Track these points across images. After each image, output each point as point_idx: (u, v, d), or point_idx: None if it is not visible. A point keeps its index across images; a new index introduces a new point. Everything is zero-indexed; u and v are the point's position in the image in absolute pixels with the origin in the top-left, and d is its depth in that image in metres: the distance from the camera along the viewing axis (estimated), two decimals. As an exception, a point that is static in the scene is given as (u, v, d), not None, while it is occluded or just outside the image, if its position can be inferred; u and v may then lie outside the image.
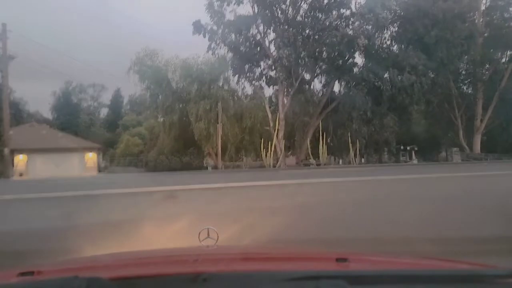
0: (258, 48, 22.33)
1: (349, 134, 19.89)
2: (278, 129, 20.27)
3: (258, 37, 22.20)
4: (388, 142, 20.68)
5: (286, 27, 20.19)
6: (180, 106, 21.14)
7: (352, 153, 19.83)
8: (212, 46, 21.74)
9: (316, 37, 20.42)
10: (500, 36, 21.41)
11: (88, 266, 1.61)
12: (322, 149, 19.59)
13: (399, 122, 20.35)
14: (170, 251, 2.25)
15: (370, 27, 19.74)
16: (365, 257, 1.71)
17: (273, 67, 21.91)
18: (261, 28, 22.02)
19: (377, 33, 20.69)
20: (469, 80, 24.32)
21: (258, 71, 22.88)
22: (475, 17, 20.61)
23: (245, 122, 21.69)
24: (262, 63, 22.70)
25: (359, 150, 19.90)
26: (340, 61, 21.43)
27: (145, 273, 1.25)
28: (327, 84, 23.02)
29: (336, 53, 20.22)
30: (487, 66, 23.13)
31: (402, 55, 18.42)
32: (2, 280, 1.26)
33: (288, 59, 19.03)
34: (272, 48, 21.58)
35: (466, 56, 18.79)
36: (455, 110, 24.21)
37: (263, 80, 22.92)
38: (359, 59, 22.03)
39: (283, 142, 20.55)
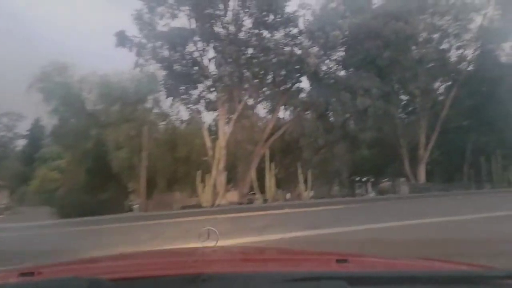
0: (196, 67, 19.55)
1: (298, 164, 17.64)
2: (218, 159, 17.24)
3: (196, 54, 19.46)
4: (339, 172, 18.83)
5: (228, 43, 17.77)
6: (97, 131, 17.19)
7: (302, 185, 17.47)
8: (139, 62, 18.48)
9: (261, 56, 18.27)
10: (441, 65, 21.42)
11: (88, 267, 1.61)
12: (269, 182, 16.91)
13: (350, 150, 18.66)
14: (170, 252, 2.36)
15: (318, 48, 18.20)
16: (366, 258, 1.70)
17: (212, 88, 19.21)
18: (199, 44, 19.37)
19: (327, 54, 19.30)
20: (413, 107, 24.07)
21: (195, 93, 20.01)
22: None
23: (179, 151, 18.35)
24: (200, 85, 19.92)
25: (309, 182, 17.61)
26: (288, 84, 19.56)
27: (145, 274, 1.25)
28: (273, 109, 20.92)
29: (284, 74, 18.24)
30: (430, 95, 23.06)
31: (354, 77, 16.91)
32: (2, 280, 1.24)
33: (230, 77, 16.46)
34: (212, 67, 19.02)
35: (414, 83, 17.83)
36: (399, 138, 23.68)
37: (201, 104, 20.05)
38: (307, 83, 20.38)
39: (225, 175, 17.53)
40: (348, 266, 1.29)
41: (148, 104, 19.18)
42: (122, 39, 17.98)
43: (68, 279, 1.04)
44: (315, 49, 18.16)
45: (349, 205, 13.99)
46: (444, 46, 22.31)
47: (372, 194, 18.24)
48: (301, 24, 18.29)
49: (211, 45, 19.13)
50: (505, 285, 1.08)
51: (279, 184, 19.13)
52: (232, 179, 20.26)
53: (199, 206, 16.07)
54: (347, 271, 1.23)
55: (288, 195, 20.20)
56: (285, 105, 20.23)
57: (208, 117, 22.15)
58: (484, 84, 22.30)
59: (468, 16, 21.31)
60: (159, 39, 18.50)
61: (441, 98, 23.92)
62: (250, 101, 21.17)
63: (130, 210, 17.41)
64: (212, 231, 1.74)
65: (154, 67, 18.89)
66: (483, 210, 9.18)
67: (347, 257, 1.35)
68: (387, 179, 25.72)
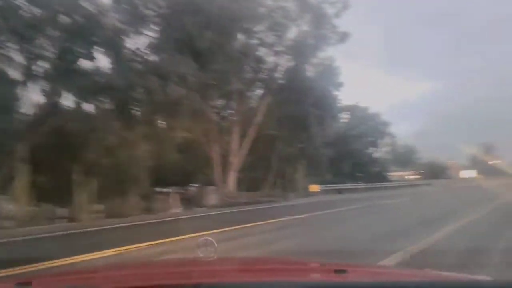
0: None
1: (80, 170, 12.26)
2: None
3: None
4: (139, 181, 14.51)
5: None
6: None
7: (83, 197, 12.23)
8: None
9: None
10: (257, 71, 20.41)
11: (86, 277, 1.58)
12: (20, 191, 10.93)
13: (157, 152, 14.65)
14: (168, 262, 2.54)
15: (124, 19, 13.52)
16: (364, 269, 1.77)
17: None
18: None
19: (137, 31, 14.76)
20: (227, 110, 22.32)
21: None
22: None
23: None
24: None
25: (93, 194, 12.52)
26: (72, 59, 13.84)
27: (144, 284, 1.28)
28: (50, 93, 14.59)
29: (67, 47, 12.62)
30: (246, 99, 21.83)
31: (168, 61, 13.08)
32: None
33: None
34: None
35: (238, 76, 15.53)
36: (212, 142, 21.51)
37: None
38: (105, 62, 15.11)
39: None
40: (347, 276, 1.28)
41: None
42: None
43: None
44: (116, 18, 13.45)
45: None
46: (261, 53, 21.76)
47: (179, 210, 14.77)
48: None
49: None
50: None
51: (47, 196, 13.06)
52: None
53: None
54: (345, 281, 1.23)
55: (64, 211, 14.26)
56: (67, 87, 14.35)
57: None
58: (293, 95, 22.76)
59: (284, 28, 21.32)
60: None
61: (255, 104, 23.19)
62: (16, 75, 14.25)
63: None
64: (210, 241, 1.72)
65: None
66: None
67: (346, 268, 1.36)
68: (195, 186, 23.13)
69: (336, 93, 23.41)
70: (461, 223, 8.62)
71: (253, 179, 24.35)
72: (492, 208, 12.19)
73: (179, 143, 20.66)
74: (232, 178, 21.98)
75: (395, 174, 42.30)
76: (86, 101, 13.89)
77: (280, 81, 22.80)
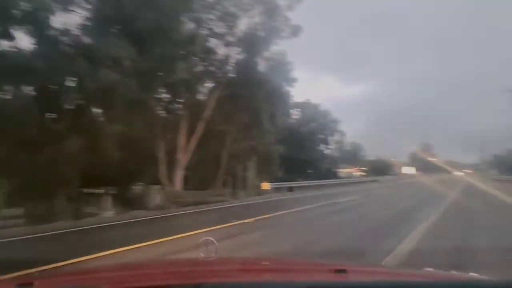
0: None
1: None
2: None
3: None
4: (68, 181, 12.63)
5: None
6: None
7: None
8: None
9: None
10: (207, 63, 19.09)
11: (88, 277, 1.57)
12: None
13: (91, 147, 12.81)
14: (169, 262, 2.51)
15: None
16: (364, 268, 1.77)
17: None
18: None
19: (61, 8, 12.75)
20: (174, 103, 20.72)
21: None
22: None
23: None
24: None
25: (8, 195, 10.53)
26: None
27: (145, 284, 1.27)
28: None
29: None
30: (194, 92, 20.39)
31: (101, 42, 11.38)
32: None
33: None
34: None
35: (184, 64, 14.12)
36: (157, 137, 19.81)
37: None
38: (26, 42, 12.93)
39: None
40: (347, 276, 1.27)
41: None
42: None
43: None
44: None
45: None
46: (211, 44, 20.50)
47: (110, 213, 13.01)
48: None
49: None
50: None
51: None
52: None
53: None
54: (345, 281, 1.22)
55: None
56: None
57: None
58: (244, 89, 21.78)
59: (235, 18, 20.26)
60: None
61: (204, 98, 21.87)
62: None
63: None
64: (210, 241, 1.72)
65: None
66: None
67: (346, 268, 1.34)
68: (139, 186, 21.24)
69: (288, 88, 22.81)
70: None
71: (203, 177, 23.02)
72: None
73: (119, 138, 18.71)
74: (179, 177, 20.51)
75: (343, 171, 43.19)
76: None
77: (231, 75, 21.72)
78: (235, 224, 9.33)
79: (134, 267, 1.90)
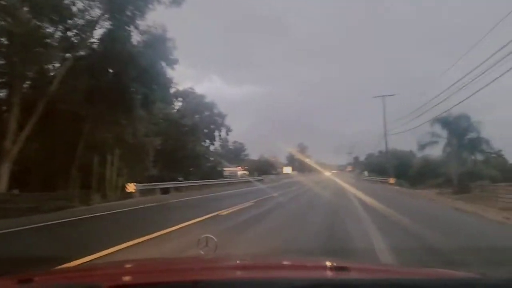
0: None
1: None
2: None
3: None
4: None
5: None
6: None
7: None
8: None
9: None
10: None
11: (86, 274, 1.57)
12: None
13: None
14: (168, 259, 2.41)
15: None
16: (365, 266, 1.74)
17: None
18: None
19: None
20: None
21: None
22: None
23: None
24: None
25: None
26: None
27: (144, 281, 1.23)
28: None
29: None
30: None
31: None
32: None
33: None
34: None
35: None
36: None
37: None
38: None
39: None
40: (348, 274, 1.27)
41: None
42: None
43: (67, 287, 1.07)
44: None
45: None
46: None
47: None
48: None
49: None
50: None
51: None
52: None
53: None
54: (347, 278, 1.21)
55: None
56: None
57: None
58: (110, 64, 17.15)
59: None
60: None
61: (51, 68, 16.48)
62: None
63: None
64: (210, 238, 1.72)
65: None
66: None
67: (347, 265, 1.35)
68: None
69: (169, 71, 18.89)
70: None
71: (49, 175, 17.41)
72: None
73: None
74: (4, 173, 14.71)
75: (226, 169, 41.09)
76: None
77: (93, 41, 16.91)
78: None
79: (133, 264, 1.84)
